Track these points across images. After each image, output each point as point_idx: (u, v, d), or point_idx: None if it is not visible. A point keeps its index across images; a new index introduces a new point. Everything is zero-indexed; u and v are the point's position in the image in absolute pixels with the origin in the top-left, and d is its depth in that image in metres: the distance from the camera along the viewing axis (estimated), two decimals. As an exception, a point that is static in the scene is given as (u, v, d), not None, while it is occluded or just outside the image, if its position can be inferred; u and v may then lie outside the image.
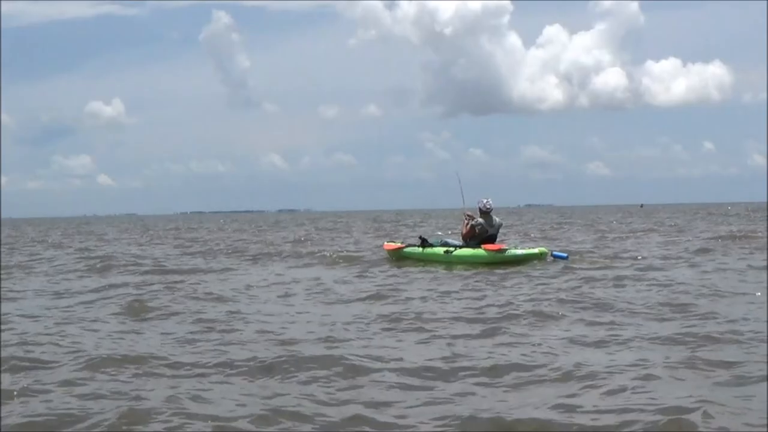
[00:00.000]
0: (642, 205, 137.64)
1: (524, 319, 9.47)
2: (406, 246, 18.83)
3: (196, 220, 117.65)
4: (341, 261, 19.07)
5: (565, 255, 17.34)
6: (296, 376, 6.74)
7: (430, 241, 18.47)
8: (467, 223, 17.76)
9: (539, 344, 7.90)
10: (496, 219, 18.00)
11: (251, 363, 7.18)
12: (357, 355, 7.38)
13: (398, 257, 18.51)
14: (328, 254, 20.82)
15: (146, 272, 17.13)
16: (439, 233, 20.86)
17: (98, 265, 18.96)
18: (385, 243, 20.23)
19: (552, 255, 17.28)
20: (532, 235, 30.86)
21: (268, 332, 8.78)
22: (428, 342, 8.23)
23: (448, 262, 17.22)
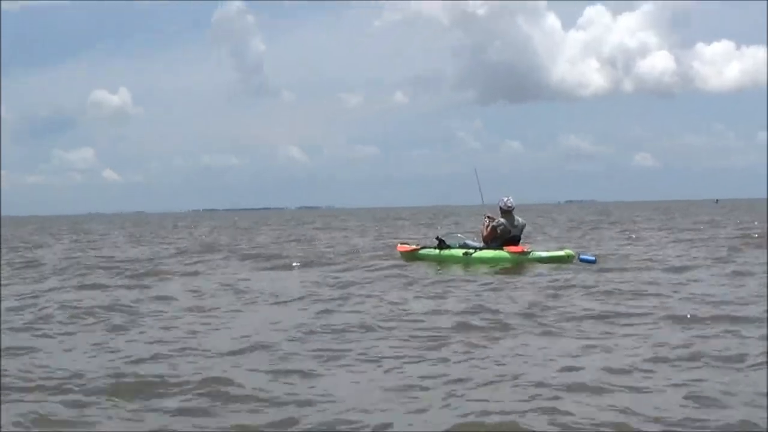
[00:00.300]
0: (717, 201, 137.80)
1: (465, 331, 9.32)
2: (422, 248, 18.94)
3: (205, 218, 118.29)
4: (306, 264, 18.99)
5: (593, 258, 17.35)
6: (131, 401, 6.50)
7: (448, 242, 18.57)
8: (488, 225, 17.84)
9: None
10: (519, 219, 18.03)
11: (106, 381, 7.01)
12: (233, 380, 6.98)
13: (412, 260, 18.57)
14: (302, 255, 20.98)
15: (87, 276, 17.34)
16: (459, 234, 20.88)
17: (30, 269, 19.22)
18: (399, 244, 20.39)
19: (579, 258, 17.34)
20: (553, 234, 30.84)
21: (157, 345, 8.70)
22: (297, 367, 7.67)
23: (467, 264, 17.31)
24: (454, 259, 17.76)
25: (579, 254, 17.65)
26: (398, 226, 47.16)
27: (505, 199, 17.84)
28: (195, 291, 13.92)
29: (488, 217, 17.93)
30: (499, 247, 17.45)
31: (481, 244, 17.88)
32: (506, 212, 17.81)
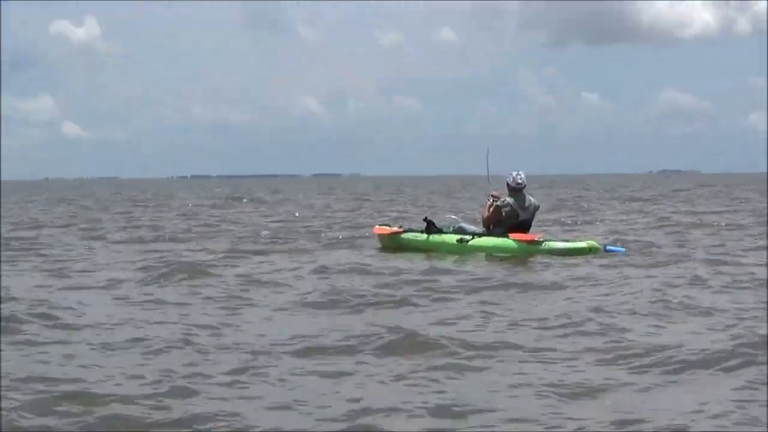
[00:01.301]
0: None
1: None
2: (405, 231, 19.19)
3: (189, 187, 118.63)
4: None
5: (621, 249, 17.96)
6: None
7: (440, 225, 18.82)
8: (490, 204, 18.06)
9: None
10: (531, 199, 18.27)
11: None
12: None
13: (393, 246, 18.87)
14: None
15: None
16: (454, 216, 21.03)
17: None
18: (377, 226, 20.63)
19: (605, 249, 17.64)
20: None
21: None
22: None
23: (462, 254, 17.55)
24: (445, 247, 18.05)
25: (605, 245, 17.98)
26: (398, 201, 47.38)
27: (515, 174, 18.02)
28: None
29: (493, 195, 18.13)
30: (504, 233, 17.67)
31: (482, 230, 18.15)
32: (515, 190, 18.00)
